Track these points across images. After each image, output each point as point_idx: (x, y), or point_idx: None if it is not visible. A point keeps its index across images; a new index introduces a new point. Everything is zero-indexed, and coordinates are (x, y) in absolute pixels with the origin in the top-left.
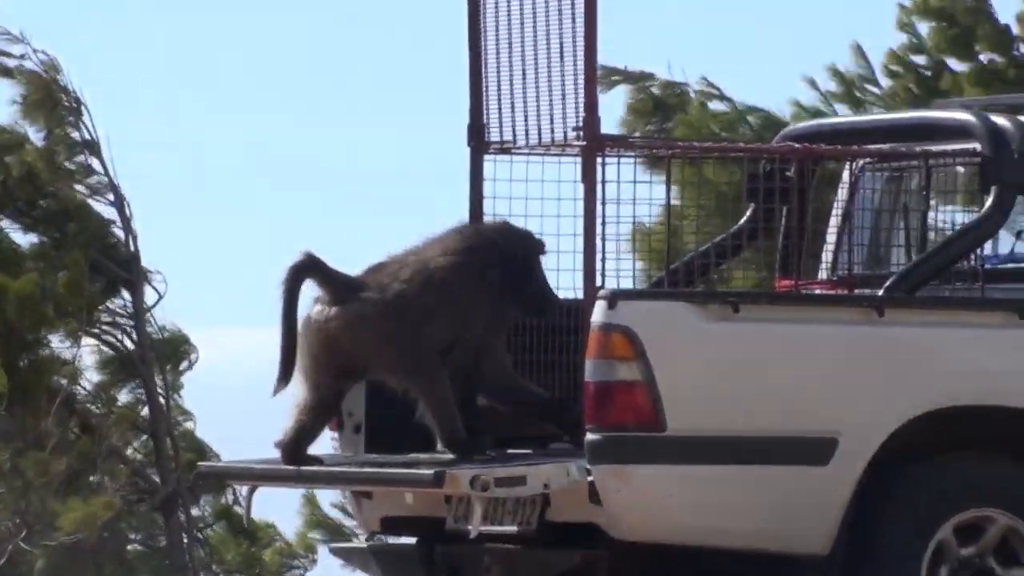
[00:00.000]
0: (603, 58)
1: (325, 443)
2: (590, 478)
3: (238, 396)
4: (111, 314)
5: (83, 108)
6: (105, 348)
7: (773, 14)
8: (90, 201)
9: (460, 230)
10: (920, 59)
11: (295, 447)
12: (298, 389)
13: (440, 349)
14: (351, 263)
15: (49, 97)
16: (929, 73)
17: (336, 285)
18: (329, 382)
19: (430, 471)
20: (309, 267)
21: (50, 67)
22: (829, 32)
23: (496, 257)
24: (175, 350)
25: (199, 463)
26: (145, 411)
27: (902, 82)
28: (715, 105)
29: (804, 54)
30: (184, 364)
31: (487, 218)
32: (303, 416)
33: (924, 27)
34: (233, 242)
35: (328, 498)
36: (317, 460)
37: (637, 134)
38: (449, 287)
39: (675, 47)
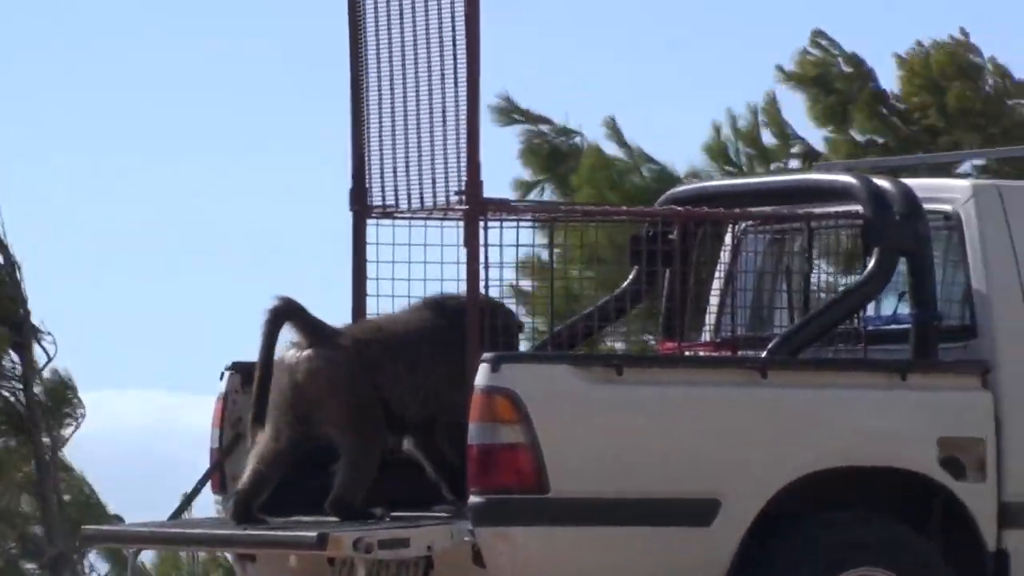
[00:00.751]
0: (505, 91)
1: (209, 505)
2: (473, 540)
3: (128, 457)
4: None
5: None
6: None
7: (678, 64)
8: None
9: (450, 297)
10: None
11: (247, 501)
12: (259, 437)
13: (399, 405)
14: (240, 326)
15: None
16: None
17: (312, 331)
18: (289, 432)
19: (313, 533)
20: (288, 312)
21: None
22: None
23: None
24: (60, 404)
25: (83, 526)
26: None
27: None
28: (613, 152)
29: (711, 101)
30: (71, 423)
31: (371, 283)
32: (260, 466)
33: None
34: (120, 305)
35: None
36: (263, 520)
37: (529, 177)
38: (416, 343)
39: (576, 93)
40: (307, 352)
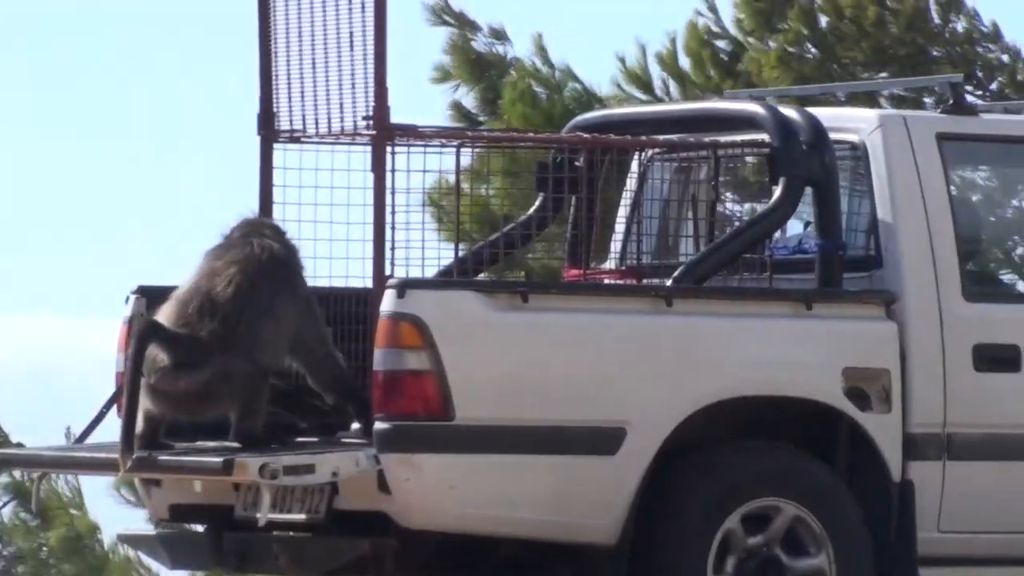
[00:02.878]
0: None
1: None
2: (379, 467)
3: (27, 383)
4: None
5: None
6: None
7: None
8: None
9: (234, 237)
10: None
11: (151, 429)
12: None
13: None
14: (142, 249)
15: None
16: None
17: (174, 347)
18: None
19: (219, 459)
20: (152, 332)
21: None
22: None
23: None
24: None
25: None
26: None
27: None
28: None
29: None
30: None
31: (277, 206)
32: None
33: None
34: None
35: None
36: (169, 446)
37: (451, 84)
38: (253, 292)
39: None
40: (184, 379)
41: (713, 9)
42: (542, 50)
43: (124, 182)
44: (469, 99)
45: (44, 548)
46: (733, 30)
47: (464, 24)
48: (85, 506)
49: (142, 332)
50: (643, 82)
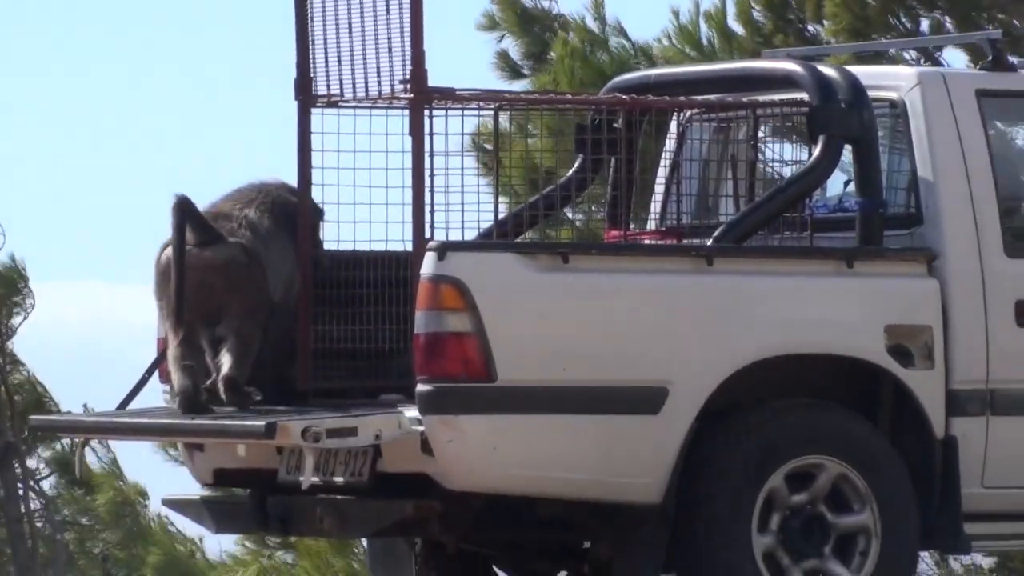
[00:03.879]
0: None
1: (157, 394)
2: (421, 429)
3: (74, 350)
4: None
5: None
6: None
7: None
8: None
9: (266, 185)
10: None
11: (192, 393)
12: (170, 345)
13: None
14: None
15: None
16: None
17: (204, 230)
18: (203, 330)
19: (262, 422)
20: (187, 208)
21: None
22: None
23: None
24: (11, 292)
25: (31, 416)
26: None
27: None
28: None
29: None
30: (20, 312)
31: (316, 171)
32: (187, 362)
33: None
34: (65, 195)
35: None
36: (211, 410)
37: (498, 35)
38: (279, 239)
39: None
40: (209, 251)
41: None
42: (598, 5)
43: (169, 150)
44: (515, 50)
45: (87, 514)
46: None
47: None
48: (123, 473)
49: (182, 203)
50: (694, 39)
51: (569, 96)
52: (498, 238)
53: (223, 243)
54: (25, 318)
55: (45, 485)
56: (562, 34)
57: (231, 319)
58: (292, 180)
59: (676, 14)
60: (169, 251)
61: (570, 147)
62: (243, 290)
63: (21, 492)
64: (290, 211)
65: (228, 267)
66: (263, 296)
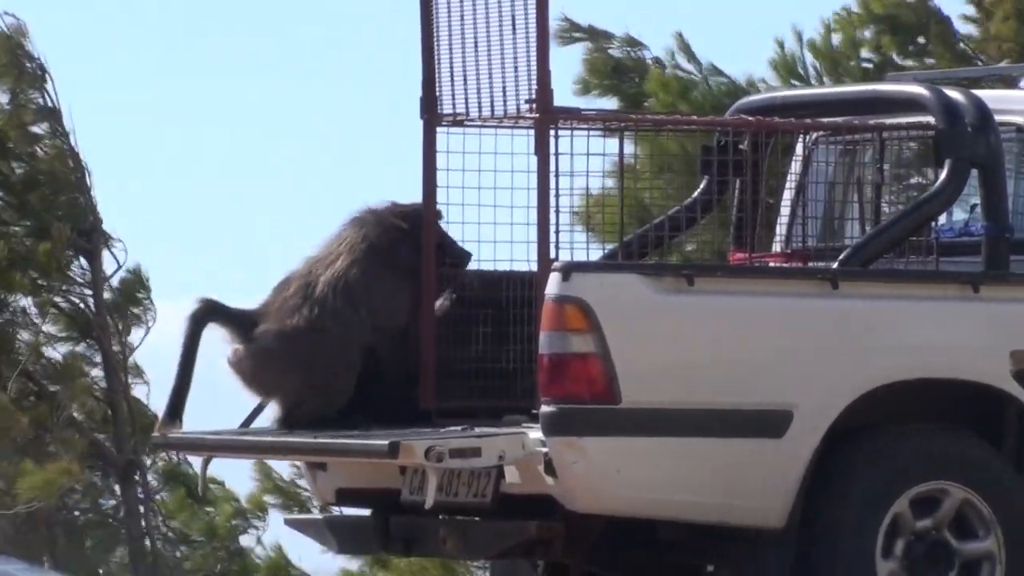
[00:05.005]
0: (564, 13)
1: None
2: (545, 450)
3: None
4: (68, 281)
5: (47, 75)
6: (63, 311)
7: None
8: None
9: (352, 222)
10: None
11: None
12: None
13: (360, 350)
14: (311, 236)
15: (14, 63)
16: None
17: (237, 325)
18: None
19: (385, 441)
20: (208, 312)
21: (17, 31)
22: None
23: (396, 233)
24: (132, 303)
25: (153, 434)
26: (97, 372)
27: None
28: (677, 70)
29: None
30: (141, 326)
31: (441, 191)
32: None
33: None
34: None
35: (283, 467)
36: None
37: (595, 93)
38: (360, 286)
39: (638, 10)
40: (238, 348)
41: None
42: (685, 48)
43: (290, 170)
44: (613, 104)
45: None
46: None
47: (596, 35)
48: (230, 490)
49: (196, 313)
50: (796, 71)
51: (695, 117)
52: (623, 259)
53: (249, 342)
54: (147, 332)
55: (161, 500)
56: (653, 72)
57: (295, 391)
58: (418, 198)
59: (781, 44)
60: (233, 349)
61: (684, 177)
62: (291, 370)
63: (143, 510)
64: (394, 236)
65: (261, 361)
66: (330, 349)
